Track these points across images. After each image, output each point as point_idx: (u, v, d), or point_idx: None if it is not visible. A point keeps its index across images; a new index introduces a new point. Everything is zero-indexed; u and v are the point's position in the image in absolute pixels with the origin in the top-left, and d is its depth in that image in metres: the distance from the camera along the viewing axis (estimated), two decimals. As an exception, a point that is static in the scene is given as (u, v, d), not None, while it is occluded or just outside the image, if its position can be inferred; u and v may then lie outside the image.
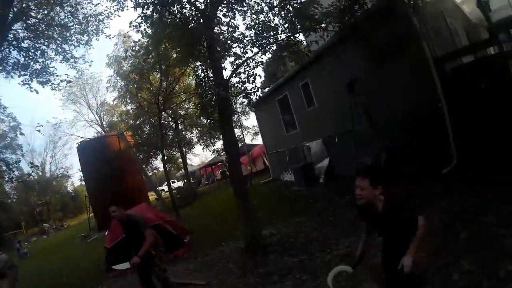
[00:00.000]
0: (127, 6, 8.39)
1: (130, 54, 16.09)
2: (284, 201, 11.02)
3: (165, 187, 30.89)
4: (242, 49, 8.11)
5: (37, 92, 8.66)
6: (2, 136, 28.91)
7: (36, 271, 12.24)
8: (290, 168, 14.34)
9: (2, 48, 8.08)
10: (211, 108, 7.91)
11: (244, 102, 8.94)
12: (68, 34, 9.28)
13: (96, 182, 19.94)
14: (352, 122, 8.96)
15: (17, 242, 25.12)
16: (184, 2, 7.73)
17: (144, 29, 8.29)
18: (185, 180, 32.93)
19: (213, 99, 7.64)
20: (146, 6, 7.61)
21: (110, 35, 10.29)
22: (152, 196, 23.85)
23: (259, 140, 31.17)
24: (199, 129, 27.67)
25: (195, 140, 30.85)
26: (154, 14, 7.77)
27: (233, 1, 7.90)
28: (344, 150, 10.41)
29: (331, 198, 9.09)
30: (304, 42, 9.36)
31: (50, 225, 38.11)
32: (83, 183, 31.29)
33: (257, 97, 8.51)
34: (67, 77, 9.37)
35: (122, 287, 7.38)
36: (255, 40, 8.03)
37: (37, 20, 8.81)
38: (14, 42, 8.49)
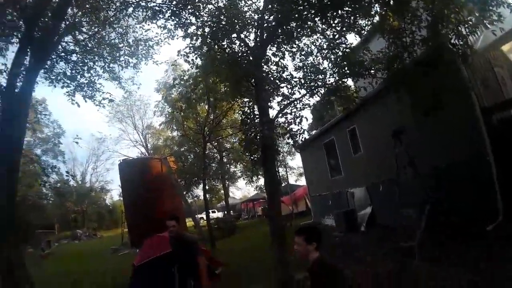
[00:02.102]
0: (177, 35, 8.25)
1: (177, 83, 16.10)
2: (323, 246, 10.64)
3: (204, 216, 31.21)
4: (290, 89, 8.07)
5: (78, 106, 8.69)
6: (44, 140, 30.37)
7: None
8: (332, 212, 13.95)
9: (50, 57, 8.14)
10: (255, 146, 7.66)
11: (290, 142, 8.79)
12: (117, 55, 9.33)
13: (134, 200, 19.87)
14: (397, 172, 8.71)
15: (46, 241, 25.83)
16: (233, 37, 7.73)
17: (192, 60, 8.30)
18: (225, 212, 33.07)
19: (257, 137, 7.45)
20: (195, 37, 7.72)
21: (158, 61, 10.24)
22: (189, 222, 24.05)
23: (303, 181, 31.05)
24: (243, 164, 27.65)
25: (239, 174, 31.17)
26: (203, 46, 7.86)
27: (282, 41, 7.90)
28: (387, 199, 10.02)
29: (371, 248, 8.70)
30: (352, 87, 9.21)
31: (83, 232, 39.20)
32: (121, 198, 31.75)
33: (303, 139, 8.23)
34: (110, 95, 9.32)
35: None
36: (303, 82, 8.00)
37: (87, 36, 8.96)
38: (63, 54, 8.63)
